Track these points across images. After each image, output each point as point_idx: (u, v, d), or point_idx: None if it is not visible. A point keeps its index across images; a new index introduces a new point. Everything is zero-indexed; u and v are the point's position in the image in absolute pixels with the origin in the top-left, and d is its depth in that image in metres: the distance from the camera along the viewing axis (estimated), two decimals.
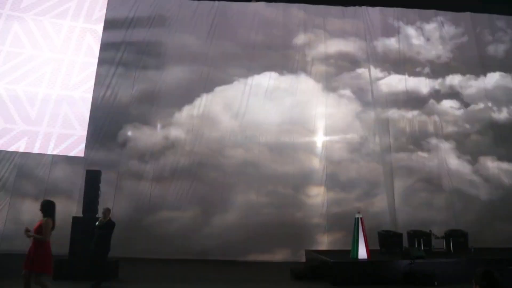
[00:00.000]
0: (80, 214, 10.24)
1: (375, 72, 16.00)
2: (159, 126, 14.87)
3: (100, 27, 14.03)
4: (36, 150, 12.60)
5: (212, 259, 12.53)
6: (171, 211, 13.92)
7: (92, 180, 10.46)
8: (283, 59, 15.84)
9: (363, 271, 9.57)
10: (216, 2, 16.04)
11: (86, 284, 8.29)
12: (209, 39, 15.68)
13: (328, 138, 15.06)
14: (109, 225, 8.65)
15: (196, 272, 10.75)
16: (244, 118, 15.01)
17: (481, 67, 16.49)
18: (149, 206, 13.84)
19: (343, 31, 16.41)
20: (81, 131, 13.09)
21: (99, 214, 9.54)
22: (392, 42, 16.48)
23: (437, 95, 16.05)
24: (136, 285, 9.35)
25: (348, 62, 16.10)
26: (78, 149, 13.00)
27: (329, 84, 15.74)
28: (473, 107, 16.03)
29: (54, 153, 12.95)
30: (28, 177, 13.73)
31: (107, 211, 8.83)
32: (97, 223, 8.73)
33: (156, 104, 14.96)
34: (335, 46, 16.23)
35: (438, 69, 16.38)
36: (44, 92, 12.91)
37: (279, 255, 13.29)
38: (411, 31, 16.74)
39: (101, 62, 14.16)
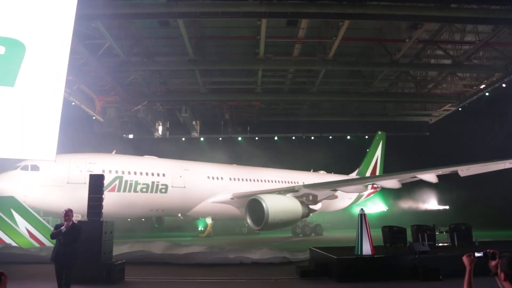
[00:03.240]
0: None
1: None
2: None
3: None
4: None
5: (218, 263, 12.54)
6: None
7: (96, 184, 10.52)
8: None
9: (368, 267, 9.59)
10: None
11: (94, 286, 8.32)
12: None
13: None
14: (74, 228, 7.42)
15: (202, 274, 10.79)
16: None
17: None
18: None
19: None
20: None
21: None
22: None
23: None
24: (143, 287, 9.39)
25: None
26: None
27: None
28: None
29: None
30: None
31: (69, 212, 7.58)
32: (62, 228, 7.34)
33: None
34: None
35: None
36: None
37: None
38: None
39: None
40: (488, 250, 3.31)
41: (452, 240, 12.14)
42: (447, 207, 31.38)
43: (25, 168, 16.91)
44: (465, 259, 3.43)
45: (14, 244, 14.68)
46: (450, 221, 13.33)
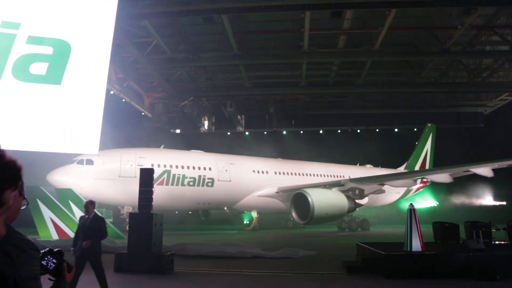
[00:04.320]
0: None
1: None
2: None
3: None
4: None
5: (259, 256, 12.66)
6: None
7: (146, 177, 10.93)
8: None
9: (417, 263, 9.28)
10: None
11: (145, 276, 8.69)
12: None
13: None
14: (96, 220, 6.90)
15: (249, 267, 10.93)
16: None
17: None
18: None
19: None
20: None
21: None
22: None
23: None
24: (191, 278, 9.67)
25: None
26: None
27: None
28: None
29: None
30: None
31: (89, 204, 7.03)
32: (82, 221, 6.98)
33: None
34: None
35: None
36: None
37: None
38: None
39: None
40: None
41: (511, 238, 11.43)
42: (505, 203, 29.58)
43: (80, 162, 17.91)
44: None
45: (72, 233, 15.63)
46: (508, 218, 12.55)
